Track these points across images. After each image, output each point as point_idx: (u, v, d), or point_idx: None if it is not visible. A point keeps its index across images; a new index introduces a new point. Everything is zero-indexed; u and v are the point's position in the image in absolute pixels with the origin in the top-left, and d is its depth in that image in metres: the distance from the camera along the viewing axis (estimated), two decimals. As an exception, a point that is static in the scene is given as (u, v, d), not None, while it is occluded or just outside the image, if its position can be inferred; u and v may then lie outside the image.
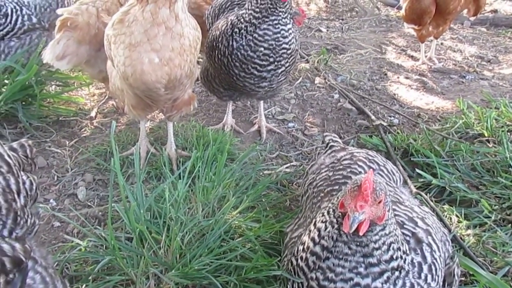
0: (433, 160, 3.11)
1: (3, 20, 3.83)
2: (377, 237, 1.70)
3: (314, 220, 1.85)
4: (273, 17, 3.10)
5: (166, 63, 2.59)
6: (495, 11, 7.16)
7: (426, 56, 5.42)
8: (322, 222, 1.78)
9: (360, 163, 2.32)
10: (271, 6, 3.07)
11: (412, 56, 5.66)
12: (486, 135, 3.53)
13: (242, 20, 3.19)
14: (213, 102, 4.37)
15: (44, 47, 3.64)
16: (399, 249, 1.76)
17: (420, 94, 4.63)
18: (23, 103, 3.76)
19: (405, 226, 1.93)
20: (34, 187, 1.80)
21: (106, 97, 4.38)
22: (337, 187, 2.20)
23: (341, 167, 2.30)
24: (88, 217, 2.84)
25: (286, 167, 3.42)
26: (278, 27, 3.11)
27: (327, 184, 2.23)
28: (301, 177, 3.32)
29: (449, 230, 2.52)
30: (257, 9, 3.11)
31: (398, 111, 4.20)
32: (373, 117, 4.01)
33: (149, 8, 2.50)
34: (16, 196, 1.63)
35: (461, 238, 2.60)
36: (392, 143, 3.53)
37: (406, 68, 5.31)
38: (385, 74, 5.11)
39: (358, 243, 1.70)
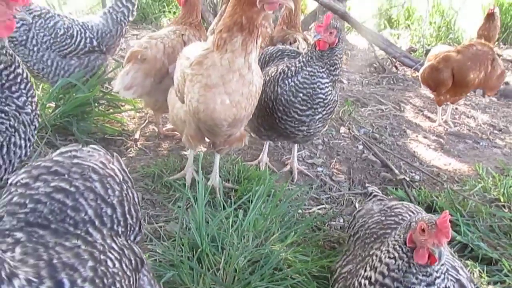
0: (457, 218, 3.39)
1: (69, 40, 4.14)
2: (438, 266, 2.00)
3: (378, 258, 2.12)
4: (310, 68, 3.40)
5: (235, 105, 2.90)
6: (506, 83, 7.64)
7: (442, 119, 5.80)
8: (389, 258, 2.06)
9: (410, 213, 2.61)
10: (309, 55, 3.40)
11: (429, 117, 6.04)
12: (502, 200, 3.83)
13: (291, 65, 3.53)
14: (247, 139, 4.65)
15: (106, 71, 3.95)
16: (450, 278, 2.06)
17: (438, 154, 4.96)
18: (76, 117, 4.02)
19: (448, 272, 2.19)
20: (139, 202, 2.05)
21: (146, 121, 4.67)
22: (389, 231, 2.48)
23: (393, 214, 2.59)
24: (140, 233, 3.05)
25: (319, 209, 3.68)
26: (314, 79, 3.41)
27: (379, 228, 2.51)
28: (332, 220, 3.59)
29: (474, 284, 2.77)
30: (302, 56, 3.47)
31: (419, 168, 4.51)
32: (396, 171, 4.32)
33: (227, 56, 2.82)
34: (138, 207, 1.89)
35: (483, 293, 2.85)
36: (416, 198, 3.82)
37: (424, 128, 5.68)
38: (405, 131, 5.46)
39: (424, 273, 1.99)
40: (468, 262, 3.09)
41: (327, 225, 3.50)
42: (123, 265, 1.55)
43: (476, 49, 5.18)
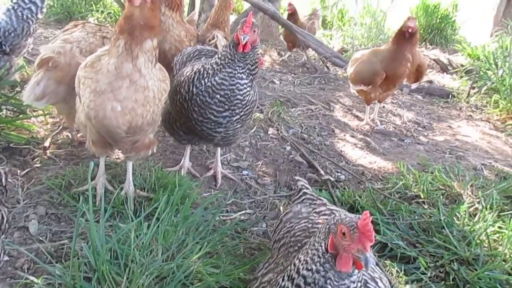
0: (377, 218, 3.37)
1: (-36, 40, 3.75)
2: (355, 277, 1.86)
3: (296, 268, 1.94)
4: (229, 70, 3.22)
5: (128, 112, 2.72)
6: (430, 81, 7.93)
7: (370, 118, 5.87)
8: (307, 270, 1.89)
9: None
10: (230, 57, 3.20)
11: (357, 116, 6.10)
12: (422, 196, 3.87)
13: (207, 65, 3.35)
14: (170, 143, 4.45)
15: (6, 73, 3.60)
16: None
17: (364, 153, 4.99)
18: (-26, 126, 3.65)
19: (368, 284, 2.07)
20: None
21: (60, 127, 4.33)
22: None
23: (319, 221, 2.44)
24: (39, 253, 2.76)
25: (241, 214, 3.54)
26: (234, 80, 3.23)
27: (305, 236, 2.34)
28: (254, 225, 3.46)
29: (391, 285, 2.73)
30: (220, 57, 3.27)
31: (345, 168, 4.49)
32: (322, 171, 4.27)
33: (113, 61, 2.64)
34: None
35: (400, 292, 2.83)
36: (339, 198, 3.78)
37: (352, 127, 5.71)
38: (333, 131, 5.47)
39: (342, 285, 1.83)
40: (387, 261, 3.07)
41: (249, 232, 3.37)
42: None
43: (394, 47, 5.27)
